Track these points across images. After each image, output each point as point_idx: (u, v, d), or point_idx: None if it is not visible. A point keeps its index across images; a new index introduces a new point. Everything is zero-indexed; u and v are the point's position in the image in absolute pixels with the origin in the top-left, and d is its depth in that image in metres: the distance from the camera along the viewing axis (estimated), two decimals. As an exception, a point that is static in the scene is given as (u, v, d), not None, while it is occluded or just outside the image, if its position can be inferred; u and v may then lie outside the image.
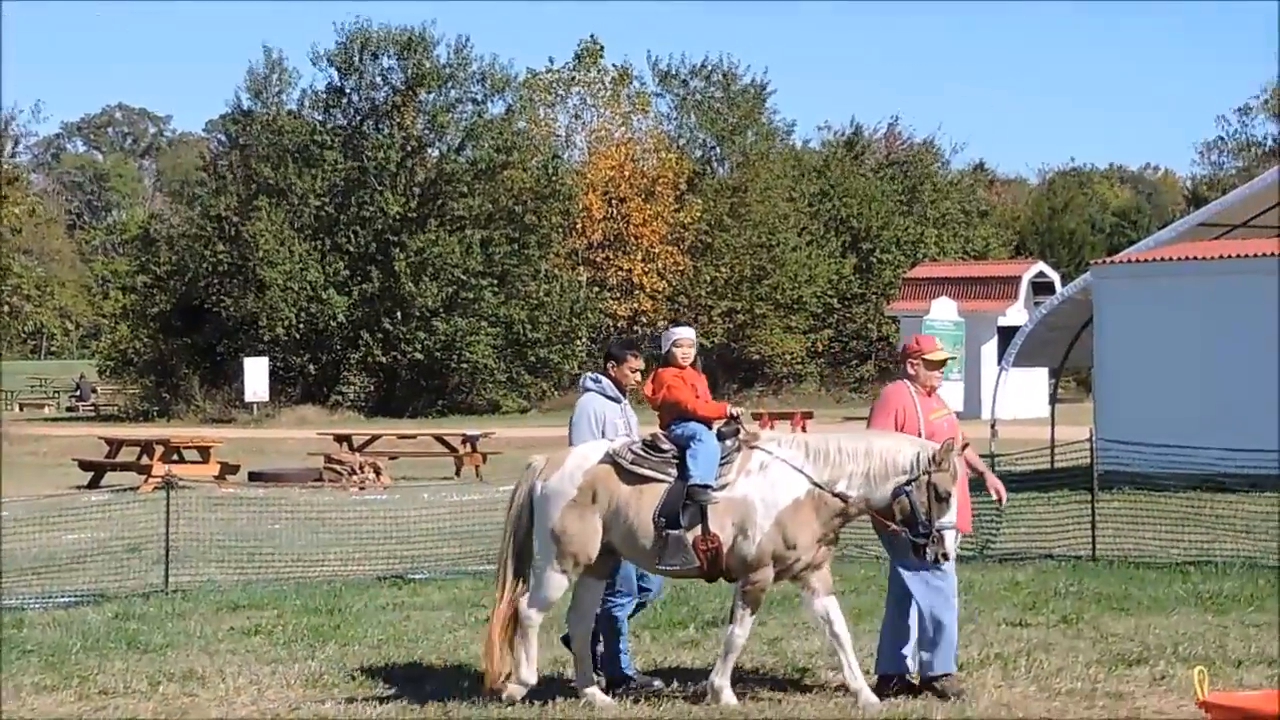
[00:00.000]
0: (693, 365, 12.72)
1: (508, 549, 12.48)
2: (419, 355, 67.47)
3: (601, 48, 75.38)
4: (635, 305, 71.15)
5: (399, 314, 67.52)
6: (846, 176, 77.48)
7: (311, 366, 68.05)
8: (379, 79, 71.13)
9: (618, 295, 71.28)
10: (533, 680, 12.27)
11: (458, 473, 37.25)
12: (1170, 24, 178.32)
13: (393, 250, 67.69)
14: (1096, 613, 15.80)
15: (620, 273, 71.40)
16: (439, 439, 40.12)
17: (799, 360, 73.57)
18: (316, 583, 19.54)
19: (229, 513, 25.98)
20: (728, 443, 12.19)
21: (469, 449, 38.13)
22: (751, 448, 12.15)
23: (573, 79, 75.43)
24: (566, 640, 12.89)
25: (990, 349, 54.62)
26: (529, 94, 74.19)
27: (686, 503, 11.93)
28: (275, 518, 26.00)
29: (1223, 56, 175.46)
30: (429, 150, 71.74)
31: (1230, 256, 30.08)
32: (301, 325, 67.37)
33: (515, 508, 12.51)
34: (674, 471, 12.08)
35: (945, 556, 11.70)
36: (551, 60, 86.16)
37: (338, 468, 34.57)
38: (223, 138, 76.17)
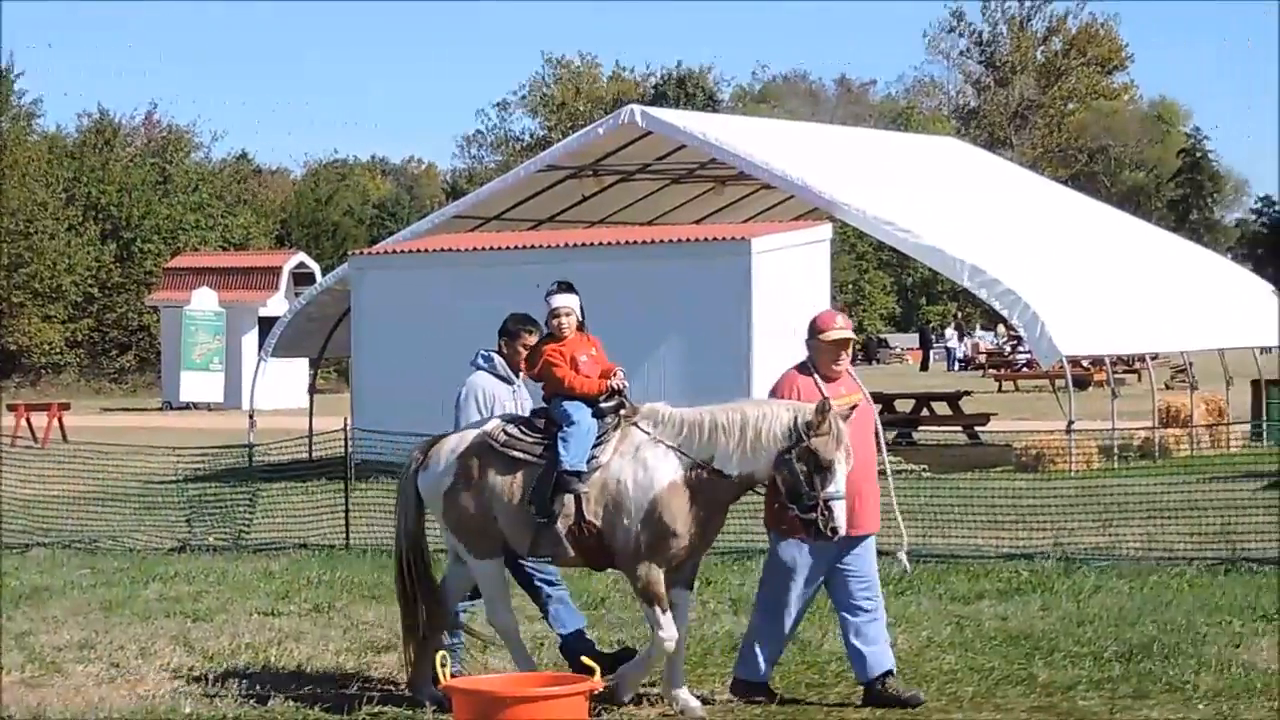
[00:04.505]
0: (580, 329, 11.52)
1: (400, 544, 11.66)
2: None
3: None
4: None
5: None
6: (104, 163, 76.03)
7: None
8: None
9: None
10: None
11: None
12: (433, 22, 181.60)
13: None
14: (348, 601, 15.99)
15: None
16: None
17: (58, 350, 71.70)
18: None
19: None
20: (607, 419, 11.20)
21: None
22: (631, 423, 11.16)
23: None
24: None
25: (251, 339, 54.48)
26: None
27: (556, 490, 10.99)
28: None
29: (486, 55, 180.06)
30: None
31: (483, 248, 30.88)
32: None
33: (399, 501, 11.72)
34: (547, 454, 11.09)
35: (835, 530, 10.68)
36: None
37: None
38: None
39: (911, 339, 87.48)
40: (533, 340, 11.90)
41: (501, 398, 12.22)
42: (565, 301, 11.49)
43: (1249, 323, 33.31)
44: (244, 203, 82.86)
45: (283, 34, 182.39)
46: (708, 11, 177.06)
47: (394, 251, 32.67)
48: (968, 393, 37.38)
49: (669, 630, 10.99)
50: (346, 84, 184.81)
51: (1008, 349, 66.32)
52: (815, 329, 11.55)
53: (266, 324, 46.69)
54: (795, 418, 10.80)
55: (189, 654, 13.37)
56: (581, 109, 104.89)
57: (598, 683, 10.08)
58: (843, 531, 10.76)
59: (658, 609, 10.96)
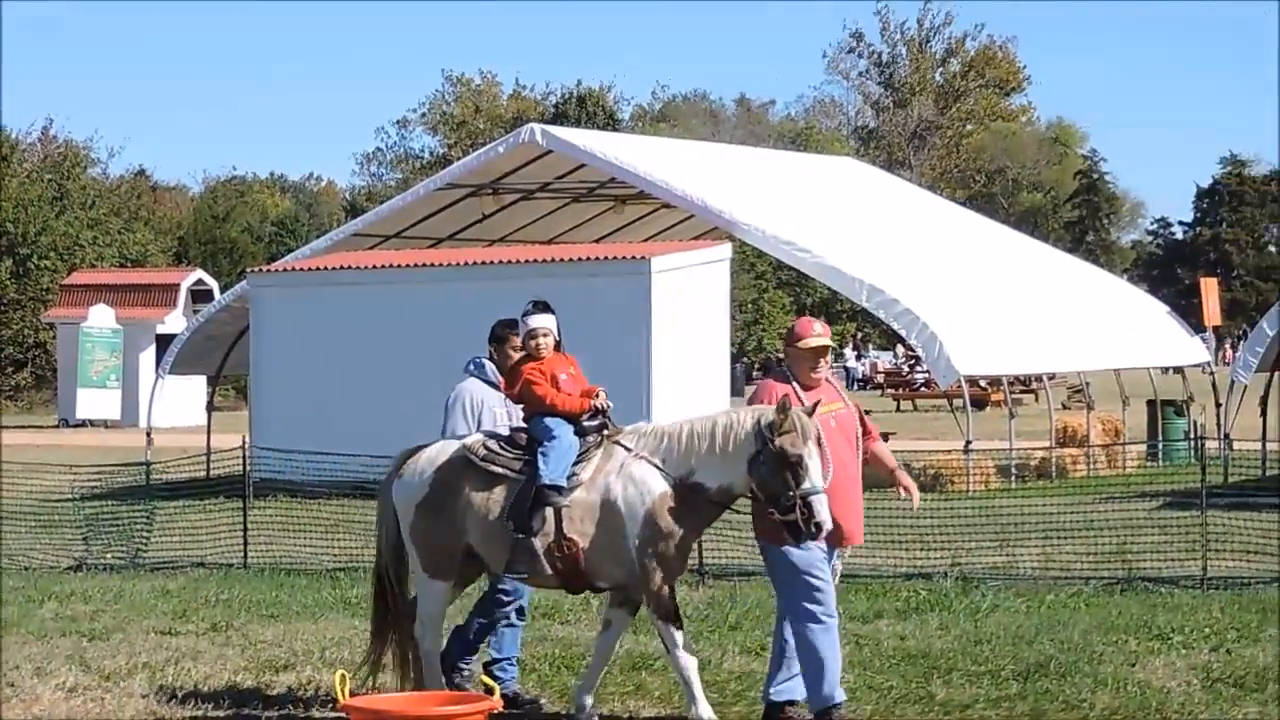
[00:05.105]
0: (557, 349, 11.38)
1: (381, 557, 11.54)
2: None
3: None
4: None
5: None
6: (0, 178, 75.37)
7: None
8: None
9: None
10: None
11: None
12: (333, 38, 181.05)
13: None
14: (246, 619, 15.90)
15: None
16: None
17: (-48, 368, 71.08)
18: None
19: None
20: (589, 438, 11.08)
21: None
22: (614, 443, 11.04)
23: None
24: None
25: (149, 356, 54.03)
26: None
27: (535, 505, 10.83)
28: None
29: (386, 72, 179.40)
30: None
31: (382, 267, 30.79)
32: None
33: (378, 510, 11.58)
34: (526, 469, 10.95)
35: (819, 526, 10.45)
36: None
37: None
38: None
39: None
40: (520, 343, 11.74)
41: (491, 404, 12.10)
42: (543, 322, 11.45)
43: (1145, 343, 33.64)
44: (142, 219, 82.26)
45: (180, 47, 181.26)
46: (608, 31, 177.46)
47: (293, 269, 32.56)
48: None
49: (683, 652, 10.82)
50: (245, 99, 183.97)
51: (906, 369, 66.63)
52: (793, 336, 11.39)
53: (164, 341, 46.30)
54: (758, 420, 10.74)
55: (85, 673, 13.26)
56: (482, 127, 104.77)
57: (496, 702, 10.08)
58: (828, 526, 10.56)
59: (673, 627, 10.80)
